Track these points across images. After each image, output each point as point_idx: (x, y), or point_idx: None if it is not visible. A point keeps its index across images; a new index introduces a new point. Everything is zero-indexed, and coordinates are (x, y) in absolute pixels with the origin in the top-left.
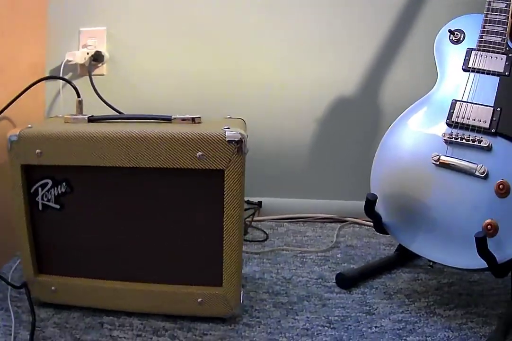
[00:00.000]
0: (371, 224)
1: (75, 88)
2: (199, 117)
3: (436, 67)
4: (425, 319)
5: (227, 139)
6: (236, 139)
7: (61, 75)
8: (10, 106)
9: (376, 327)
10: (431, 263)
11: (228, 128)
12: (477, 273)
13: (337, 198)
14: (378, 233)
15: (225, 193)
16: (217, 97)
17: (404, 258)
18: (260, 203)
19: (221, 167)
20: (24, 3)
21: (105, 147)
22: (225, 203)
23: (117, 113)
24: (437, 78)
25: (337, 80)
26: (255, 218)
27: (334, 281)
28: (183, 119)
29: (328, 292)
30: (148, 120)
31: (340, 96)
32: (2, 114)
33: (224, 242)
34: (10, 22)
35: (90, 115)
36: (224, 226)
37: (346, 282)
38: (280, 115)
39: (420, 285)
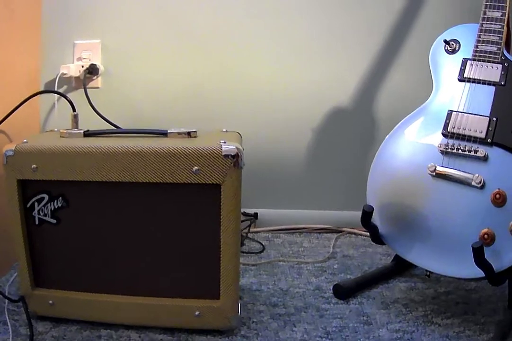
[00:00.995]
0: (367, 234)
1: (70, 102)
2: (195, 131)
3: (431, 77)
4: (422, 328)
5: (223, 154)
6: (233, 154)
7: (56, 88)
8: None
9: (373, 337)
10: (428, 273)
11: (225, 142)
12: (473, 281)
13: (333, 208)
14: (374, 243)
15: (221, 206)
16: (212, 107)
17: (401, 267)
18: (256, 214)
19: (217, 182)
20: (17, 16)
21: (101, 162)
22: (222, 216)
23: (113, 128)
24: (432, 88)
25: (332, 89)
26: (251, 229)
27: (331, 291)
28: (179, 133)
29: (325, 303)
30: (144, 135)
31: (335, 105)
32: None
33: (221, 255)
34: (3, 34)
35: (85, 129)
36: (221, 239)
37: (343, 292)
38: (274, 126)
39: (417, 294)
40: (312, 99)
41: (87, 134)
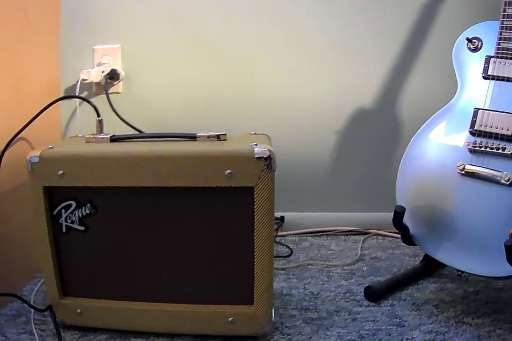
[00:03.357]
0: (395, 235)
1: (94, 107)
2: (224, 134)
3: (455, 76)
4: (454, 328)
5: (256, 156)
6: (265, 156)
7: (77, 94)
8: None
9: (407, 339)
10: (459, 273)
11: (256, 145)
12: (502, 280)
13: (359, 210)
14: (402, 244)
15: (255, 210)
16: (233, 112)
17: (429, 268)
18: (282, 217)
19: (250, 185)
20: (36, 22)
21: (131, 168)
22: (255, 220)
23: (139, 132)
24: (457, 87)
25: (354, 91)
26: (279, 233)
27: (362, 294)
28: (208, 137)
29: (357, 306)
30: (172, 139)
31: (358, 107)
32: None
33: (255, 259)
34: (23, 40)
35: (112, 134)
36: (255, 244)
37: (374, 295)
38: (298, 129)
39: (447, 294)
40: (334, 102)
41: (114, 139)
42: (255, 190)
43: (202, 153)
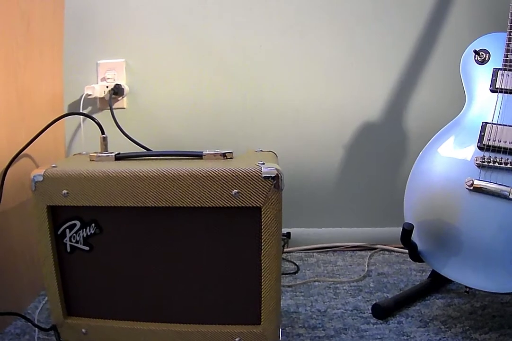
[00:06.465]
0: (401, 250)
1: (99, 124)
2: (231, 152)
3: (463, 89)
4: None
5: (263, 176)
6: (273, 175)
7: (81, 109)
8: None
9: None
10: (467, 289)
11: (263, 163)
12: (510, 295)
13: (365, 225)
14: (409, 259)
15: (262, 230)
16: (239, 127)
17: (437, 283)
18: (289, 234)
19: (257, 205)
20: (40, 36)
21: (135, 187)
22: (262, 240)
23: (144, 150)
24: (465, 100)
25: (360, 105)
26: (285, 249)
27: (370, 311)
28: (215, 155)
29: (365, 323)
30: (178, 157)
31: (365, 121)
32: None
33: (262, 279)
34: (26, 53)
35: (116, 152)
36: (262, 264)
37: (382, 312)
38: (303, 144)
39: (454, 310)
40: (340, 116)
41: (119, 157)
42: (262, 210)
43: (209, 173)
